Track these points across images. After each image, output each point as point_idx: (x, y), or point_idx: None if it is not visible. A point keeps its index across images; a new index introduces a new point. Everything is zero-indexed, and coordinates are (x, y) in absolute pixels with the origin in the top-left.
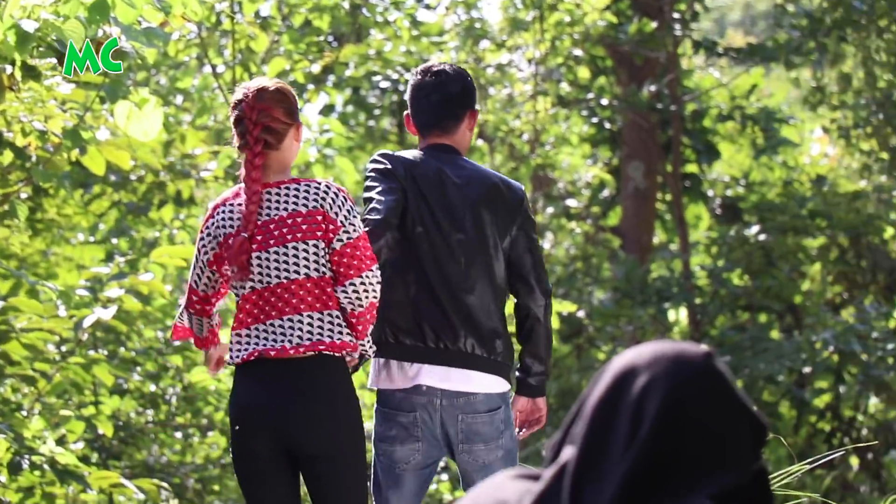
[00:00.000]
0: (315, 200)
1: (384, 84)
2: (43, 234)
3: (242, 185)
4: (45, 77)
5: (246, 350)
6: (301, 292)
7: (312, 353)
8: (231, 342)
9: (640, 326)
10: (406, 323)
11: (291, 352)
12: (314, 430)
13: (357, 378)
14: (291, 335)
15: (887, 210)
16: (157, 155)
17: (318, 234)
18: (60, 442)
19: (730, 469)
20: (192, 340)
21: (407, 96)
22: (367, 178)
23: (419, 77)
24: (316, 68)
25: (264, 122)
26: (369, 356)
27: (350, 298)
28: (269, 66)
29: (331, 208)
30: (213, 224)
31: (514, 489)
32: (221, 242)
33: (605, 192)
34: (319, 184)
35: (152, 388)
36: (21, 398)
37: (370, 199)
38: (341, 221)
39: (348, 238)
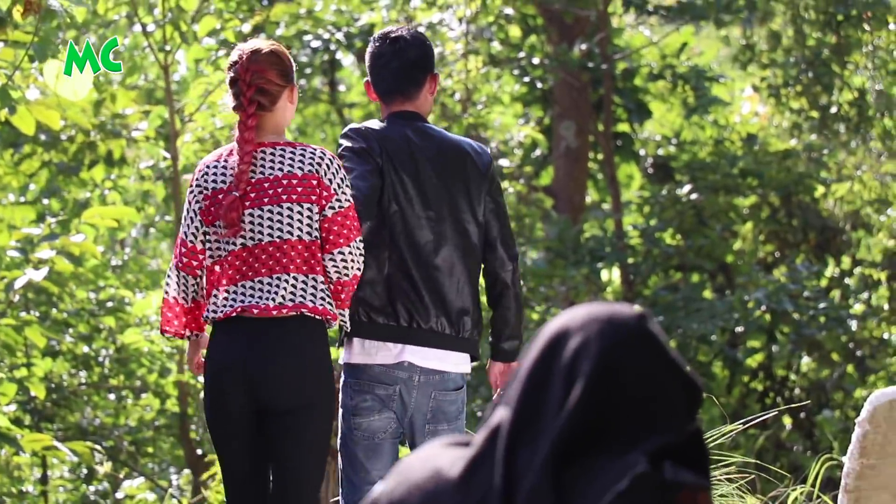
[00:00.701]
0: (311, 165)
1: (315, 43)
2: None
3: (235, 144)
4: None
5: (230, 306)
6: (292, 253)
7: (294, 313)
8: (211, 299)
9: (574, 287)
10: (379, 301)
11: (274, 312)
12: (288, 385)
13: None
14: (276, 294)
15: (818, 169)
16: (87, 115)
17: (313, 198)
18: None
19: (664, 429)
20: (183, 336)
21: (366, 64)
22: (341, 156)
23: (377, 44)
24: (247, 27)
25: (258, 83)
26: (347, 328)
27: (338, 267)
28: (200, 24)
29: (325, 174)
30: (202, 177)
31: (447, 456)
32: (209, 196)
33: (537, 152)
34: (315, 150)
35: (85, 349)
36: None
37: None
38: (335, 189)
39: (339, 206)
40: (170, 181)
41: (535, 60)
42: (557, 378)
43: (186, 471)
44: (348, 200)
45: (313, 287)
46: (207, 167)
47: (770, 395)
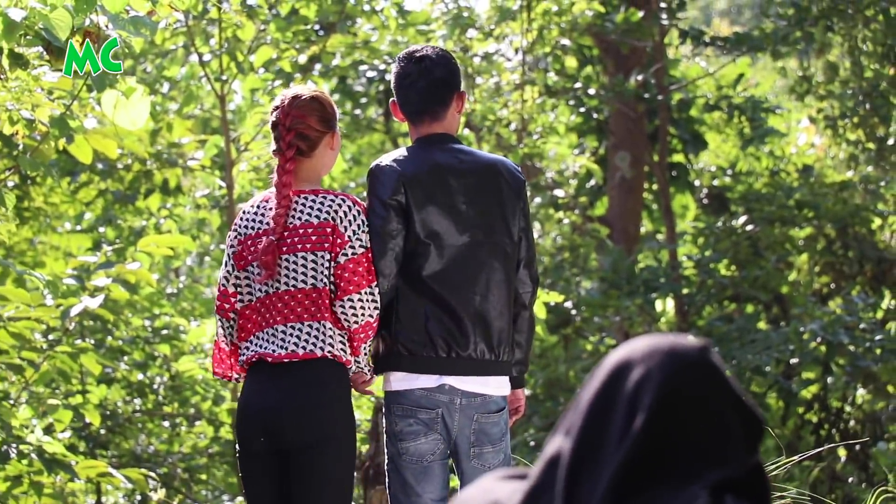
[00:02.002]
0: (328, 213)
1: (371, 73)
2: (30, 222)
3: (273, 189)
4: (33, 66)
5: (253, 352)
6: (306, 301)
7: (308, 358)
8: (242, 343)
9: (628, 317)
10: (417, 334)
11: (286, 359)
12: (302, 423)
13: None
14: (287, 343)
15: (874, 200)
16: (143, 144)
17: (326, 245)
18: (48, 431)
19: (725, 462)
20: (230, 377)
21: (392, 84)
22: (367, 198)
23: (403, 64)
24: (303, 58)
25: (298, 128)
26: (368, 376)
27: (346, 314)
28: (257, 55)
29: (341, 222)
30: (240, 222)
31: (504, 489)
32: (242, 240)
33: (592, 182)
34: (336, 197)
35: (140, 377)
36: (8, 387)
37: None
38: (349, 236)
39: (353, 254)
40: (225, 210)
41: (591, 91)
42: (619, 409)
43: (239, 498)
44: (363, 247)
45: (322, 334)
46: (244, 212)
47: (825, 427)
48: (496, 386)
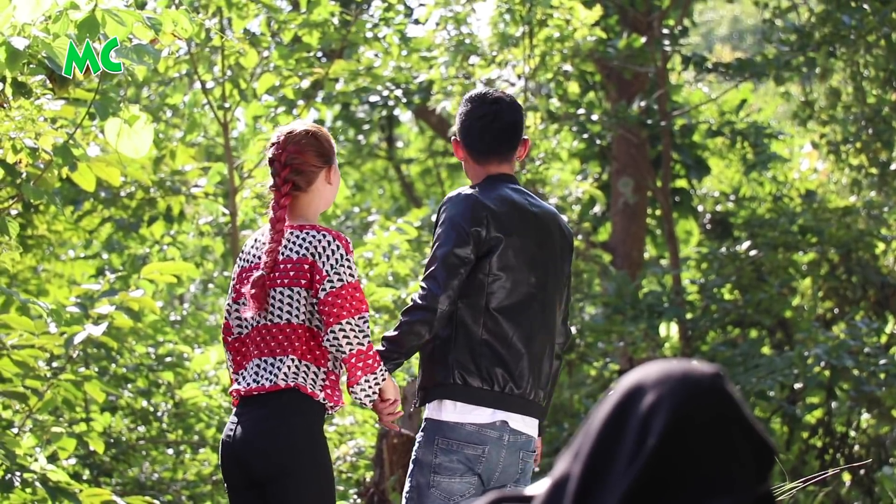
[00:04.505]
0: (307, 249)
1: (373, 99)
2: (34, 250)
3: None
4: (36, 95)
5: (234, 387)
6: (280, 336)
7: (273, 390)
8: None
9: (632, 342)
10: (475, 366)
11: (255, 392)
12: (264, 455)
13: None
14: (260, 376)
15: (877, 226)
16: (147, 171)
17: (303, 282)
18: (52, 459)
19: (733, 490)
20: None
21: (459, 121)
22: (443, 221)
23: (475, 104)
24: (306, 84)
25: (293, 164)
26: (365, 405)
27: (332, 344)
28: (259, 82)
29: (319, 258)
30: (241, 256)
31: None
32: (239, 273)
33: (596, 208)
34: (317, 233)
35: (144, 404)
36: (12, 415)
37: (436, 256)
38: (327, 271)
39: (331, 287)
40: (228, 237)
41: (594, 117)
42: (630, 433)
43: None
44: (341, 280)
45: (288, 367)
46: (247, 244)
47: (829, 452)
48: (534, 427)
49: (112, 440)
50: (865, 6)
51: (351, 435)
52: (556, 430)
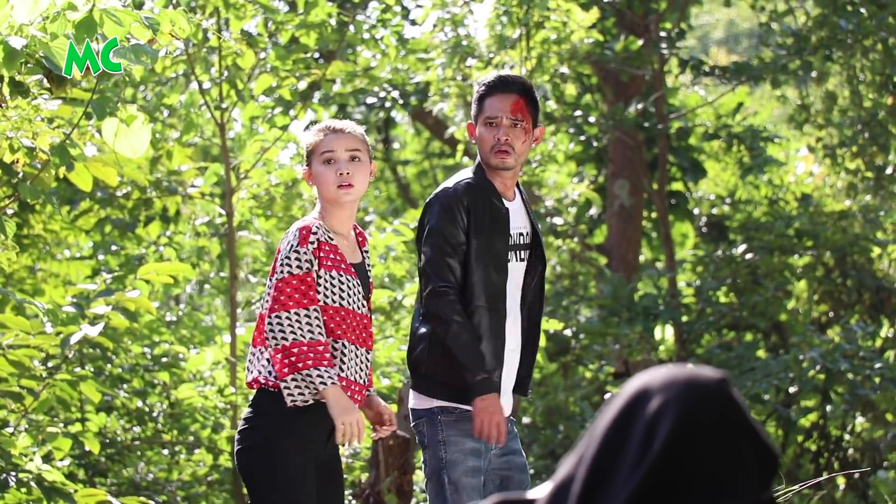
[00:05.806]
0: (283, 240)
1: (370, 100)
2: (30, 250)
3: None
4: (33, 95)
5: None
6: (261, 326)
7: (257, 386)
8: None
9: (627, 345)
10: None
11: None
12: (236, 456)
13: None
14: (249, 367)
15: (873, 229)
16: (143, 171)
17: (271, 273)
18: (47, 459)
19: (736, 495)
20: None
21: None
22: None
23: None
24: (303, 85)
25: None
26: (296, 400)
27: (266, 336)
28: (256, 82)
29: (282, 248)
30: None
31: None
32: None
33: (592, 210)
34: (294, 225)
35: (139, 404)
36: (7, 415)
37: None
38: (279, 260)
39: (276, 278)
40: (225, 237)
41: (591, 119)
42: (635, 437)
43: None
44: (282, 273)
45: (256, 358)
46: None
47: (824, 455)
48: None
49: (107, 440)
50: (862, 10)
51: None
52: (551, 432)
